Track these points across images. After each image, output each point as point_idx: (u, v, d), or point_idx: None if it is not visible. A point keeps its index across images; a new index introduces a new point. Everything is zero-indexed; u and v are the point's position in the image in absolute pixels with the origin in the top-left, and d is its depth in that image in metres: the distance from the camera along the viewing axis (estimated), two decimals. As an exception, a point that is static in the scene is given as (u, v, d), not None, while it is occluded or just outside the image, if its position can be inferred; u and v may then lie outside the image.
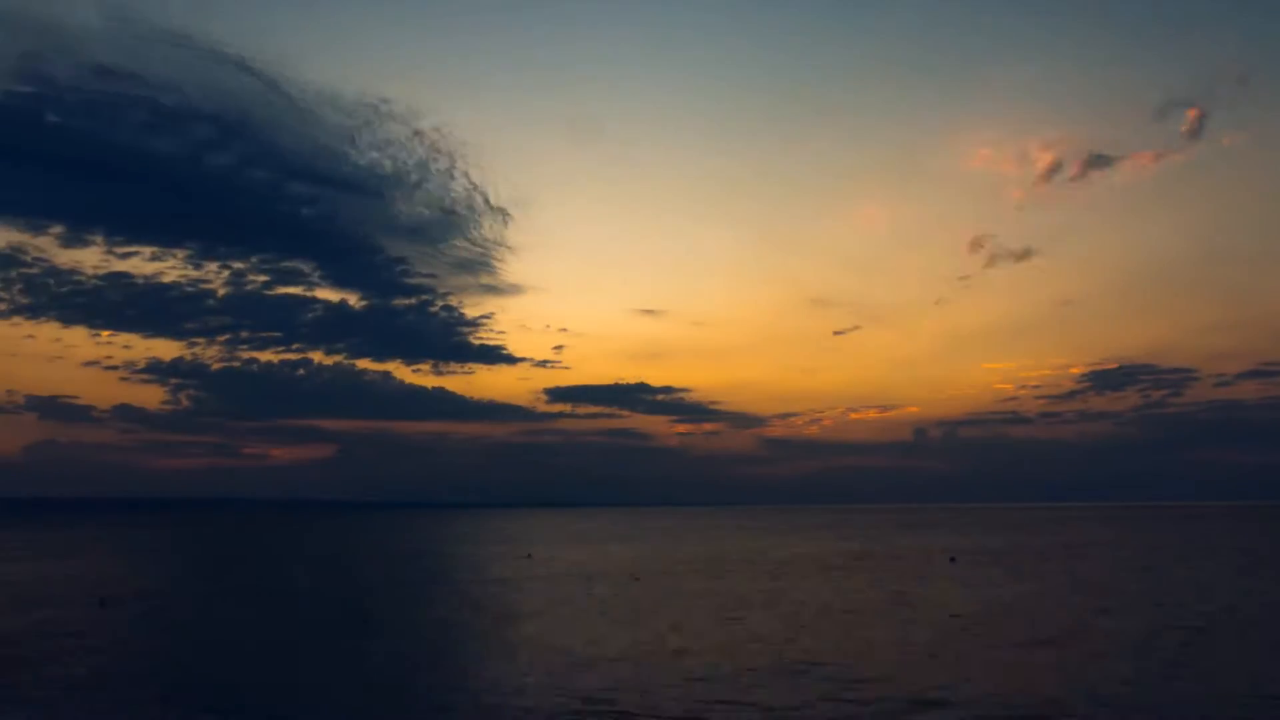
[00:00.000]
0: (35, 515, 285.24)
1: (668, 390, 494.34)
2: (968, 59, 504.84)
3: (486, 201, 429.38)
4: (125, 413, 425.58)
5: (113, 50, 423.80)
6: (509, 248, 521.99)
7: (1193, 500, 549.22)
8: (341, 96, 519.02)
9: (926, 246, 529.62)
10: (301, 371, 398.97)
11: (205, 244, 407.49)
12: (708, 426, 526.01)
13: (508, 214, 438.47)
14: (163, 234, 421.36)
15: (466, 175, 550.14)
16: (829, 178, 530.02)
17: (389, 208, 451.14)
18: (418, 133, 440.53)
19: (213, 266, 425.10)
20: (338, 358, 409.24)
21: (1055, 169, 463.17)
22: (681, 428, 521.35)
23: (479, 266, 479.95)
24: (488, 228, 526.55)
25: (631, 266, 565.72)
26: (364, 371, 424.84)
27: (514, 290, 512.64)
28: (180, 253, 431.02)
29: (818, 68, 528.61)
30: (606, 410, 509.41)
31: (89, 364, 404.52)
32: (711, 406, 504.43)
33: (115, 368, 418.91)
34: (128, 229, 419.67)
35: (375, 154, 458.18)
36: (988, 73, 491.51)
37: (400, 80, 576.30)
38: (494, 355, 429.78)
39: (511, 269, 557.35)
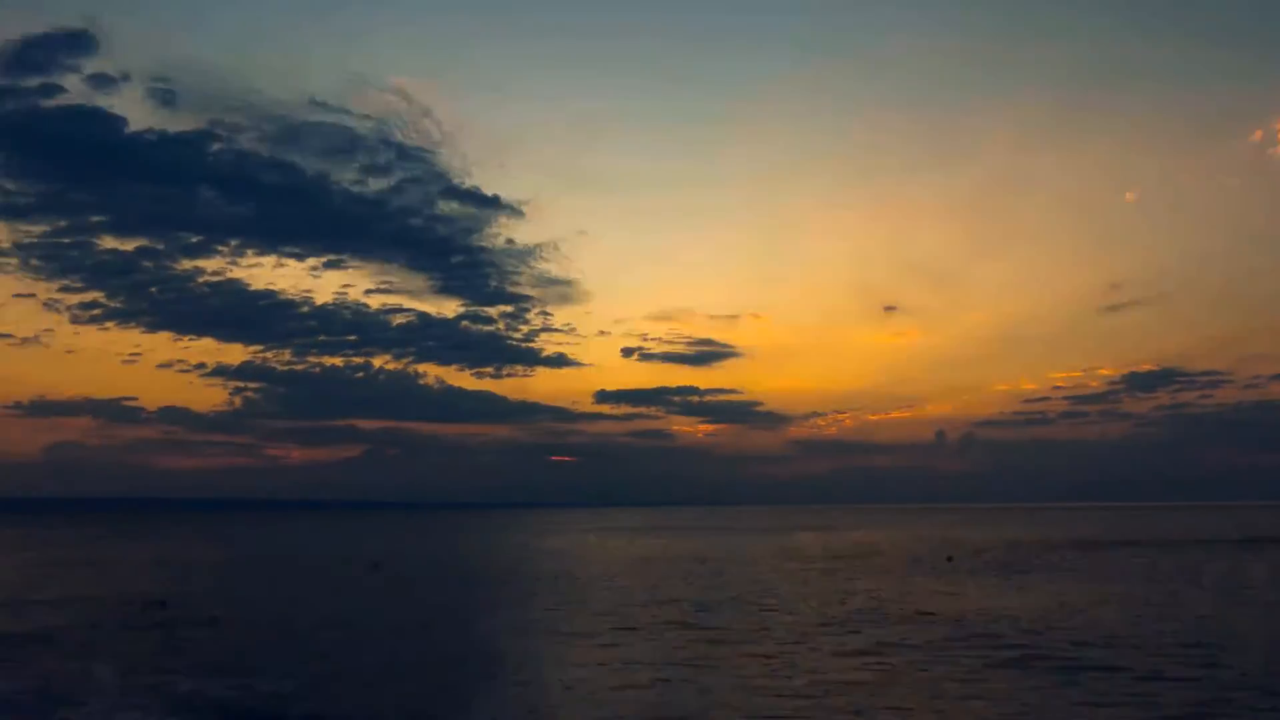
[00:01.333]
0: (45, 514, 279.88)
1: (714, 391, 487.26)
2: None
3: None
4: (170, 414, 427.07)
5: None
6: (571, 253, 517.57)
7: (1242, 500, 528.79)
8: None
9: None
10: (360, 375, 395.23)
11: (325, 254, 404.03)
12: (749, 428, 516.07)
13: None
14: (289, 244, 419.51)
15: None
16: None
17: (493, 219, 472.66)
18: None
19: (327, 275, 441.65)
20: (402, 363, 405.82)
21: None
22: (714, 427, 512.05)
23: (549, 270, 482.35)
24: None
25: (704, 270, 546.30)
26: (420, 375, 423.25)
27: (581, 294, 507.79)
28: (297, 264, 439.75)
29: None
30: (645, 411, 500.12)
31: (163, 366, 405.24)
32: (759, 409, 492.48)
33: (187, 370, 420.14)
34: (262, 240, 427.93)
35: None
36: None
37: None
38: (555, 359, 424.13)
39: (579, 273, 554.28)
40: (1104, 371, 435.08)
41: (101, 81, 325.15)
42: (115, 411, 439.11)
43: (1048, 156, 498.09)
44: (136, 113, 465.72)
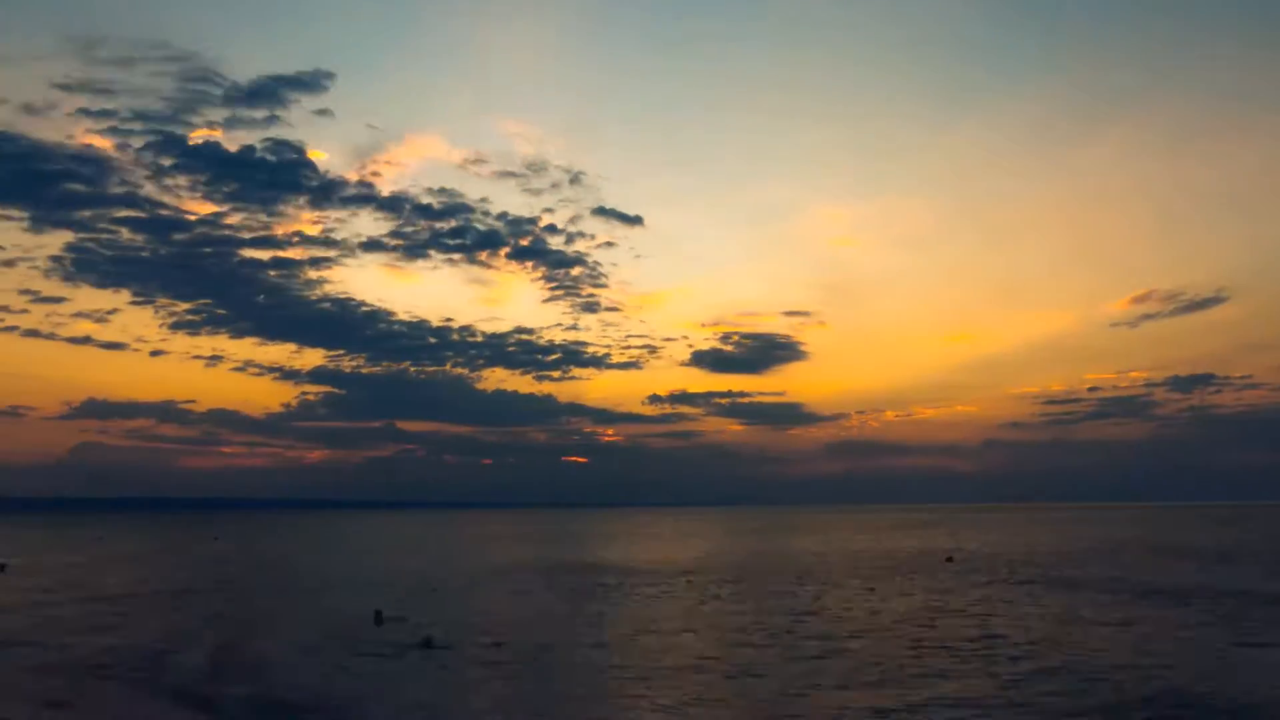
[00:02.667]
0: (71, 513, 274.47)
1: (757, 394, 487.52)
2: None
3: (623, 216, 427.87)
4: (217, 416, 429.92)
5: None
6: (645, 256, 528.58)
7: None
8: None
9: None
10: (422, 378, 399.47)
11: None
12: (784, 428, 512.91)
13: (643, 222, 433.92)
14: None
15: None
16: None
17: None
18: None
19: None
20: (463, 369, 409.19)
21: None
22: (752, 428, 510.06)
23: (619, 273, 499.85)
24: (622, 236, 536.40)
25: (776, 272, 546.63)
26: (478, 378, 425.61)
27: (648, 294, 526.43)
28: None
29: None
30: (687, 412, 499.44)
31: (236, 369, 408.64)
32: (805, 410, 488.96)
33: (259, 374, 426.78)
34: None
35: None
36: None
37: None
38: (631, 362, 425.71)
39: (650, 276, 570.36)
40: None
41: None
42: (167, 413, 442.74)
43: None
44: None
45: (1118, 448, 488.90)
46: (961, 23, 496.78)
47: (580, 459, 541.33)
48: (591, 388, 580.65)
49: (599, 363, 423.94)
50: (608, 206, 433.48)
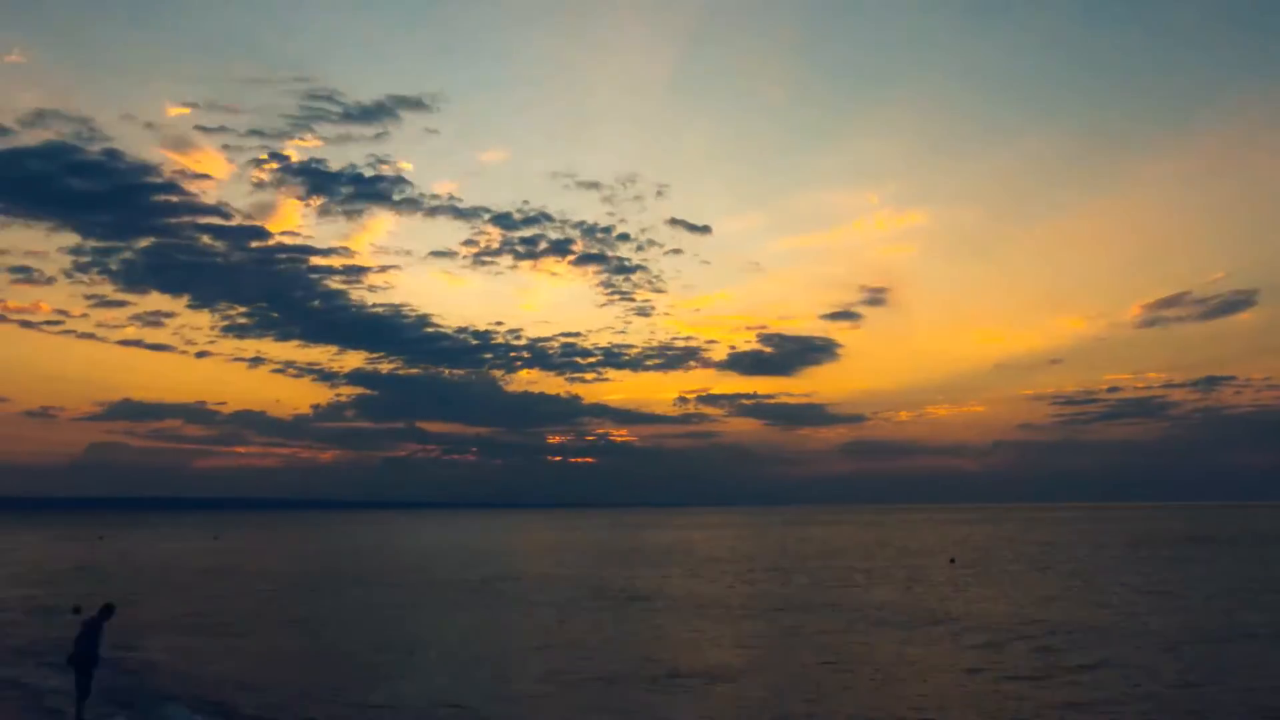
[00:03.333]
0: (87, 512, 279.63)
1: (780, 394, 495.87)
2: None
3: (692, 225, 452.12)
4: (243, 417, 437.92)
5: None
6: (709, 263, 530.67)
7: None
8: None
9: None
10: (455, 379, 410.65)
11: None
12: (810, 430, 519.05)
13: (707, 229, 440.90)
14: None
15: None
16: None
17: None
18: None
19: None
20: (500, 370, 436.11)
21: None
22: (771, 429, 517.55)
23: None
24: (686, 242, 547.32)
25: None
26: (509, 380, 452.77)
27: (701, 298, 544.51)
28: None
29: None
30: (708, 413, 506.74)
31: (276, 370, 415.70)
32: (832, 411, 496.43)
33: (299, 375, 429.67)
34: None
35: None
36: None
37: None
38: (643, 363, 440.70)
39: (709, 282, 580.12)
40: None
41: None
42: (195, 414, 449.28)
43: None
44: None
45: (1142, 447, 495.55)
46: (1016, 53, 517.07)
47: (589, 459, 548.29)
48: (622, 389, 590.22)
49: (636, 364, 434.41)
50: (679, 217, 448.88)
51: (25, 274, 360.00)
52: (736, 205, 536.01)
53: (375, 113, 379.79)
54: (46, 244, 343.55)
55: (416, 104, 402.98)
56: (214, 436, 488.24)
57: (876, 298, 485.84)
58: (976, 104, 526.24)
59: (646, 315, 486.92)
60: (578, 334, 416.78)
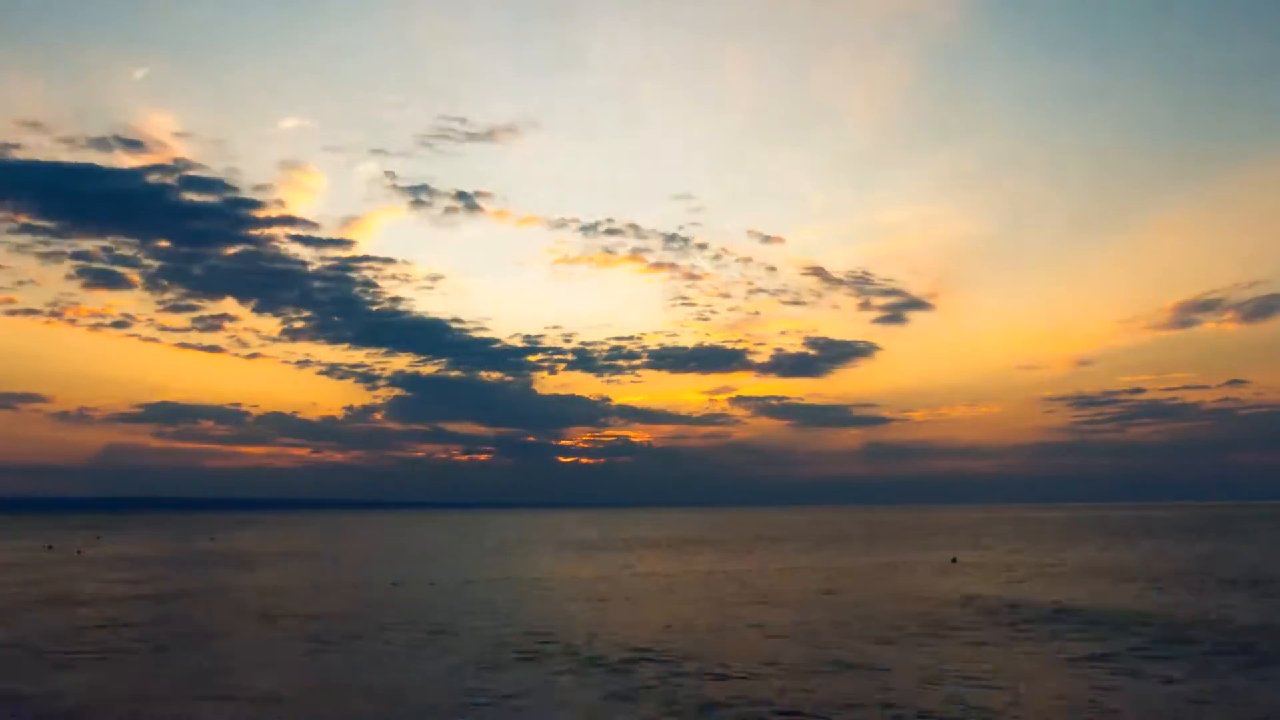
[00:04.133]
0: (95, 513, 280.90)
1: (808, 396, 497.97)
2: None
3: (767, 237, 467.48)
4: (271, 419, 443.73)
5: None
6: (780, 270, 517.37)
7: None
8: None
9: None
10: (490, 380, 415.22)
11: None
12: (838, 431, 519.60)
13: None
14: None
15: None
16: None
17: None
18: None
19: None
20: (542, 373, 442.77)
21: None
22: (795, 429, 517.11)
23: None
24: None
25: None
26: (544, 381, 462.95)
27: (763, 303, 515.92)
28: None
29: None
30: (732, 414, 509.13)
31: (322, 373, 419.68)
32: (859, 412, 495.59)
33: (343, 377, 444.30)
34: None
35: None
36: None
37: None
38: (688, 365, 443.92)
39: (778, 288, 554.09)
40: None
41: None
42: (225, 415, 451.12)
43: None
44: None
45: (1171, 448, 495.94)
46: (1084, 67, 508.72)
47: (602, 459, 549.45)
48: (656, 390, 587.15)
49: (679, 365, 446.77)
50: (754, 228, 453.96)
51: (106, 279, 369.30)
52: (809, 217, 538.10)
53: (488, 136, 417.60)
54: (139, 250, 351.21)
55: (511, 126, 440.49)
56: (233, 436, 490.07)
57: (923, 302, 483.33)
58: (1030, 122, 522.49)
59: (705, 319, 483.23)
60: (629, 336, 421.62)
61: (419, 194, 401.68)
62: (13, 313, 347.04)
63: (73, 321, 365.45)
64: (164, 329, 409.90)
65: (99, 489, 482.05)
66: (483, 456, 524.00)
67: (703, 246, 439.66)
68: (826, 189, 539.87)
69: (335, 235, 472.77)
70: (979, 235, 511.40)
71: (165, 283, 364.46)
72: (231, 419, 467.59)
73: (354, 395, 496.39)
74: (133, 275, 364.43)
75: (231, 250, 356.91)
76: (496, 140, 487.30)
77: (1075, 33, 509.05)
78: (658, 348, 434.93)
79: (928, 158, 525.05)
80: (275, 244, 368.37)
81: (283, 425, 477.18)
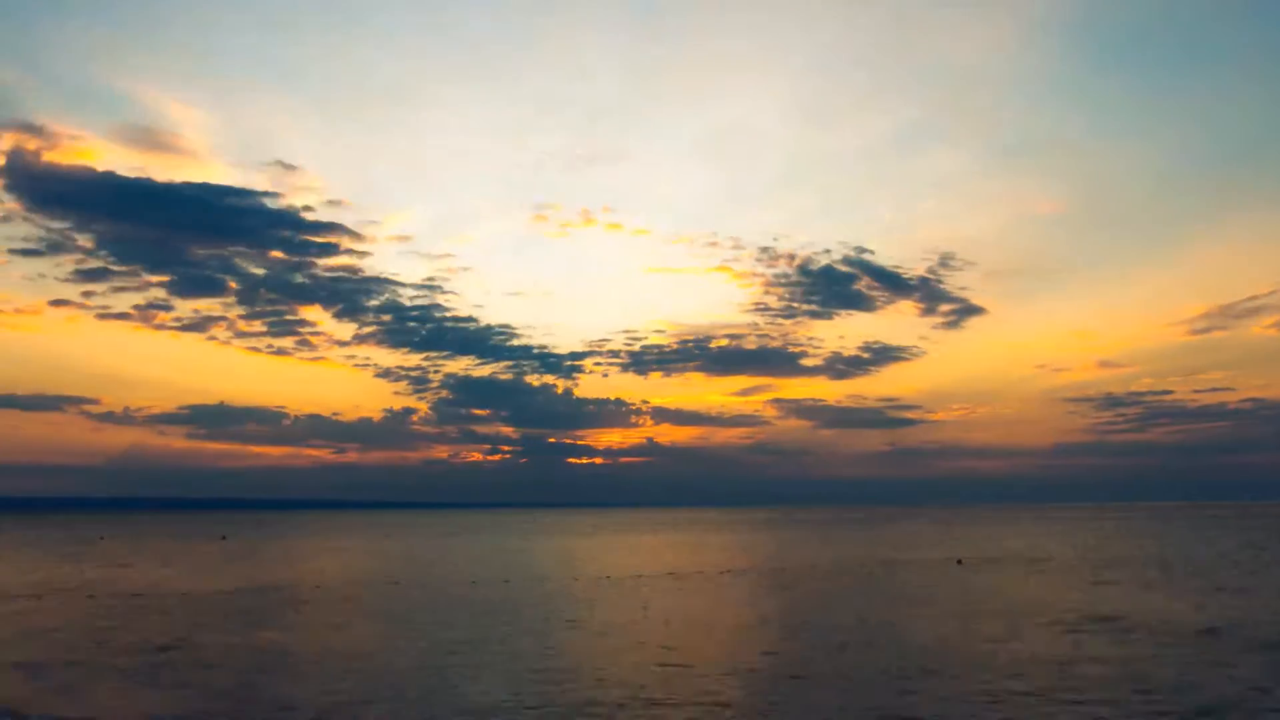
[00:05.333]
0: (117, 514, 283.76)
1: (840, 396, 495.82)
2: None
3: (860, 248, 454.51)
4: (307, 420, 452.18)
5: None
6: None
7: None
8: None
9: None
10: (535, 383, 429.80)
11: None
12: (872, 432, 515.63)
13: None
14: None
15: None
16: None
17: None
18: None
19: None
20: (589, 376, 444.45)
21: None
22: (822, 430, 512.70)
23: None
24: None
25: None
26: (583, 383, 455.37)
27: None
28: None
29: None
30: (761, 415, 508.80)
31: (379, 376, 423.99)
32: (894, 414, 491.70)
33: (396, 379, 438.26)
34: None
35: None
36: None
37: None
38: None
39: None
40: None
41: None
42: (266, 417, 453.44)
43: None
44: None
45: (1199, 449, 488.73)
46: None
47: (635, 459, 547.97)
48: (695, 392, 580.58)
49: (733, 367, 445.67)
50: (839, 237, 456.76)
51: (209, 287, 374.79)
52: (881, 229, 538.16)
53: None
54: (248, 262, 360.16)
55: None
56: (263, 437, 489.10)
57: (979, 308, 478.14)
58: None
59: (791, 317, 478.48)
60: (692, 340, 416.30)
61: (512, 207, 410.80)
62: (104, 316, 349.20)
63: (159, 326, 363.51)
64: (241, 334, 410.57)
65: (107, 489, 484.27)
66: (496, 458, 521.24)
67: (789, 256, 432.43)
68: (902, 203, 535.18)
69: (430, 250, 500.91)
70: (1035, 247, 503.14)
71: (263, 291, 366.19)
72: (271, 420, 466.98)
73: (400, 398, 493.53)
74: (232, 282, 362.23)
75: (332, 260, 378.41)
76: (582, 153, 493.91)
77: (1137, 55, 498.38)
78: (717, 348, 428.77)
79: (1003, 175, 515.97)
80: (373, 256, 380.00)
81: (317, 427, 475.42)
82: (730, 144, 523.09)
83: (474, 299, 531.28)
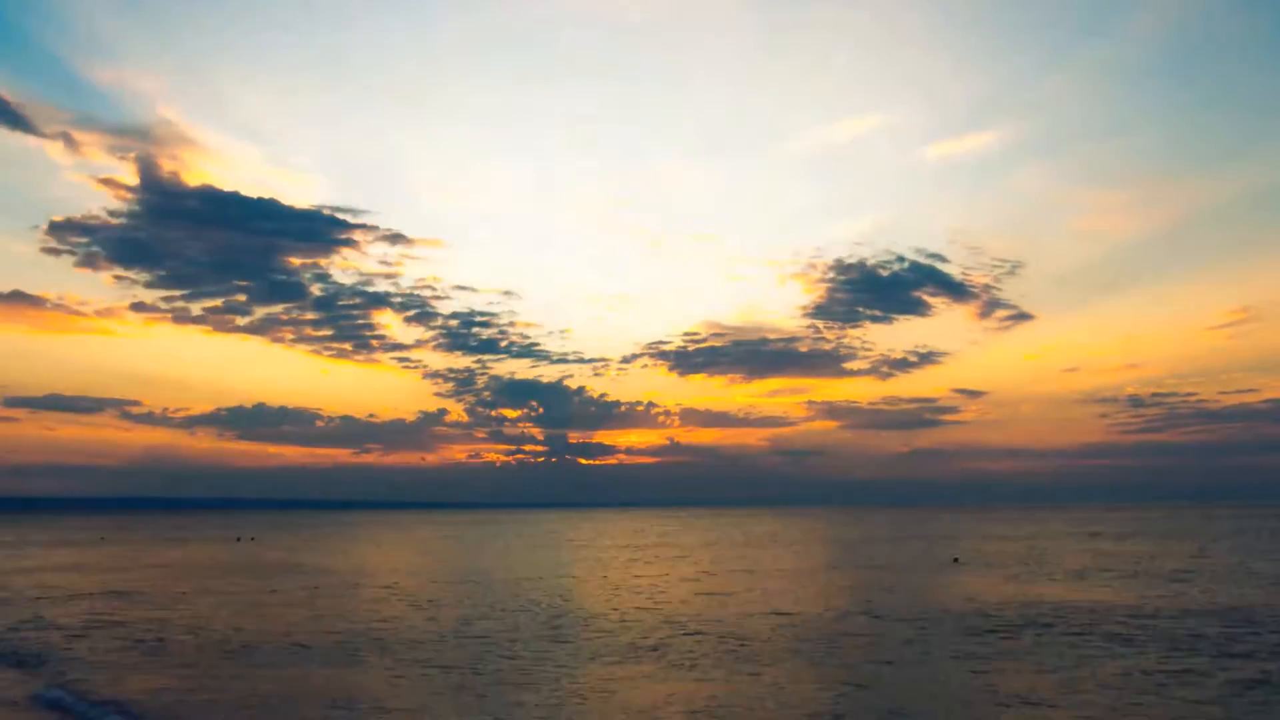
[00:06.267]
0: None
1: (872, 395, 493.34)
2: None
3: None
4: (340, 421, 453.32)
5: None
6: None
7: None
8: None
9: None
10: (573, 385, 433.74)
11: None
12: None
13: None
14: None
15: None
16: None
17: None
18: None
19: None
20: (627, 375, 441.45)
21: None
22: (847, 431, 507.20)
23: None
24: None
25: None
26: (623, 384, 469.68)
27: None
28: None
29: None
30: (784, 415, 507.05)
31: (427, 377, 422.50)
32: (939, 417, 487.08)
33: (443, 382, 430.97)
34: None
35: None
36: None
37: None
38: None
39: None
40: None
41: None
42: (299, 418, 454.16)
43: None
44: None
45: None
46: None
47: (651, 459, 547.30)
48: (731, 393, 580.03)
49: (782, 368, 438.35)
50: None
51: (288, 294, 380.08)
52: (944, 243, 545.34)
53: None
54: (335, 270, 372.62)
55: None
56: (290, 437, 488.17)
57: (1028, 314, 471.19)
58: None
59: (854, 321, 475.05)
60: (742, 342, 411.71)
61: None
62: (181, 320, 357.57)
63: (229, 330, 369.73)
64: (305, 338, 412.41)
65: (119, 489, 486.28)
66: (513, 459, 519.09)
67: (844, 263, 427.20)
68: (974, 213, 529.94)
69: (502, 258, 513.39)
70: (1093, 259, 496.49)
71: (342, 298, 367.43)
72: (303, 421, 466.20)
73: (439, 399, 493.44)
74: (315, 289, 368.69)
75: (414, 269, 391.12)
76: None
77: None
78: (773, 351, 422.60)
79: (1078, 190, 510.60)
80: (450, 265, 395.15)
81: (348, 428, 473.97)
82: (818, 160, 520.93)
83: (537, 302, 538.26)
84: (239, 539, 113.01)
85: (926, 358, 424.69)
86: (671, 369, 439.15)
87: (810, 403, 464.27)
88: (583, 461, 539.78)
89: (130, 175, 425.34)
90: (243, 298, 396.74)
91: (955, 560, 62.73)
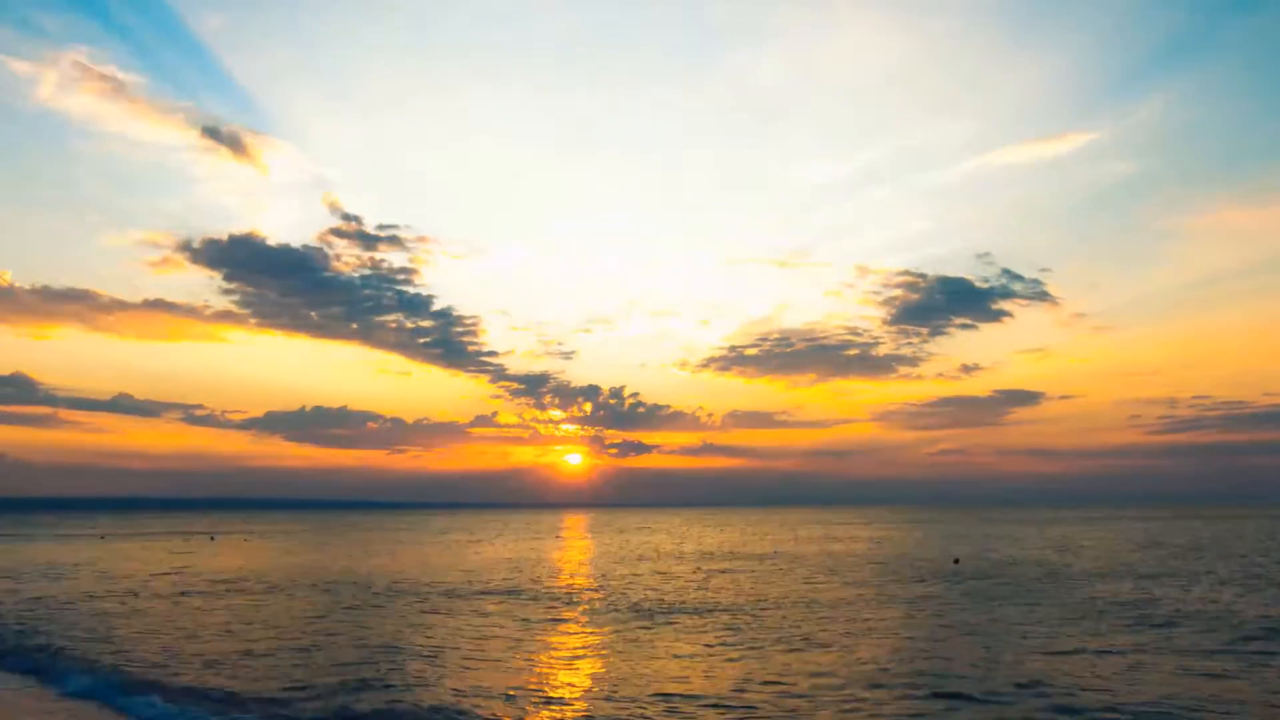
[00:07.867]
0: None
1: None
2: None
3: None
4: (389, 423, 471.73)
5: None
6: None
7: None
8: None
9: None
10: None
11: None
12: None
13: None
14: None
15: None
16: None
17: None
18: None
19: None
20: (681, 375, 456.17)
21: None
22: (885, 429, 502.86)
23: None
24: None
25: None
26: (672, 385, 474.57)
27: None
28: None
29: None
30: (824, 418, 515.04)
31: (494, 381, 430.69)
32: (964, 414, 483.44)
33: (505, 385, 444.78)
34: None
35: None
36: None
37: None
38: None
39: None
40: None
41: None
42: (348, 419, 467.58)
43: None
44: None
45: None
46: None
47: (689, 460, 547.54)
48: (786, 395, 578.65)
49: (853, 370, 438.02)
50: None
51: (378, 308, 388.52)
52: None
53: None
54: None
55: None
56: (334, 439, 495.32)
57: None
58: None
59: (930, 324, 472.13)
60: (806, 344, 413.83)
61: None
62: (263, 326, 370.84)
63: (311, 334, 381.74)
64: (390, 344, 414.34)
65: (174, 489, 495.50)
66: (580, 461, 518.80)
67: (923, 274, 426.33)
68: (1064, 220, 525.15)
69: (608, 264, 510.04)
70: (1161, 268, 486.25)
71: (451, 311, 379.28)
72: (352, 423, 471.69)
73: (495, 401, 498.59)
74: (386, 296, 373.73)
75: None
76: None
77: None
78: (847, 355, 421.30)
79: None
80: None
81: (393, 429, 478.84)
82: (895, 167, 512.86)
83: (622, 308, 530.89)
84: (213, 537, 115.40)
85: (1001, 363, 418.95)
86: (724, 369, 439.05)
87: (866, 405, 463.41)
88: (649, 464, 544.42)
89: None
90: (300, 301, 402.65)
91: (955, 561, 61.47)
